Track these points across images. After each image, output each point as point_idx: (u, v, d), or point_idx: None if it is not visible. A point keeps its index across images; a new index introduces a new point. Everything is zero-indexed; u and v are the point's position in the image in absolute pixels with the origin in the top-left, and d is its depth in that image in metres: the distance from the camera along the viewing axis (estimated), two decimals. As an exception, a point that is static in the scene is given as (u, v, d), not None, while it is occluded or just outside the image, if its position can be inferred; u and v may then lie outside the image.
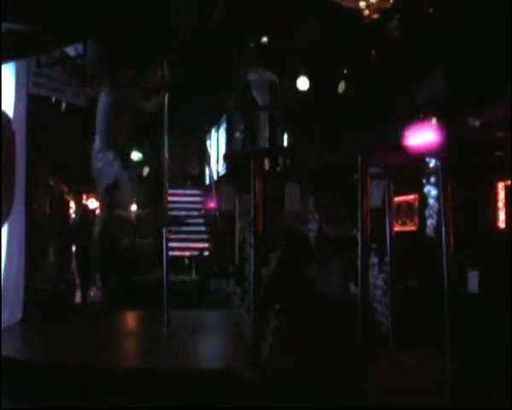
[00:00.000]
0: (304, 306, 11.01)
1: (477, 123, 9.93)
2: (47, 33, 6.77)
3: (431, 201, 10.87)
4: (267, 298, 7.07)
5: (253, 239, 7.27)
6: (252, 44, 15.15)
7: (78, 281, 15.58)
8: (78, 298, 15.16)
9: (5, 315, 9.47)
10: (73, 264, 15.76)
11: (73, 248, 16.05)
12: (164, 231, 10.45)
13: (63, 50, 9.97)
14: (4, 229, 9.62)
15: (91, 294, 15.73)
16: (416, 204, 12.38)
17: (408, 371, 7.78)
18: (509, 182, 10.60)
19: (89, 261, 15.17)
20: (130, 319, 12.69)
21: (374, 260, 9.06)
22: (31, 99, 10.76)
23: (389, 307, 8.87)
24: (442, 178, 8.00)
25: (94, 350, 8.46)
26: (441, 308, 7.53)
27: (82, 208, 18.69)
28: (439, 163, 8.35)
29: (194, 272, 19.79)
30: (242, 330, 7.52)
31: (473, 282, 9.98)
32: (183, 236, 20.77)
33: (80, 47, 9.22)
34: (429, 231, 10.97)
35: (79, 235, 16.39)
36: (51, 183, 15.42)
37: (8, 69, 9.57)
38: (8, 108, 9.76)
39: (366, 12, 12.30)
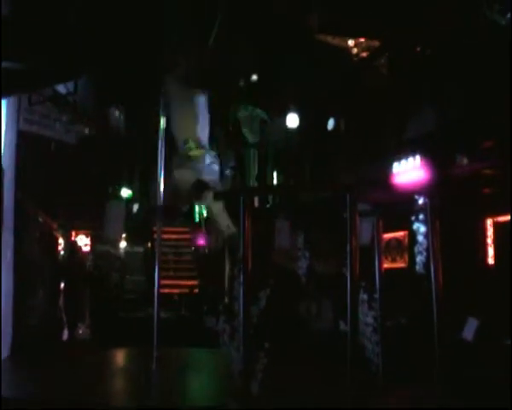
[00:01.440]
0: (294, 343, 10.96)
1: (465, 160, 10.00)
2: (40, 72, 6.82)
3: (420, 237, 10.88)
4: (256, 336, 7.03)
5: (242, 276, 7.24)
6: (242, 82, 15.24)
7: (65, 318, 15.46)
8: (66, 335, 15.02)
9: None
10: (61, 301, 15.63)
11: (62, 285, 15.94)
12: (156, 267, 10.40)
13: (54, 88, 10.01)
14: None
15: (80, 331, 15.60)
16: (406, 241, 12.40)
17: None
18: (498, 218, 10.65)
19: (77, 298, 15.07)
20: (120, 357, 12.58)
21: (363, 297, 9.05)
22: (20, 135, 10.78)
23: (379, 345, 8.84)
24: (431, 215, 8.04)
25: (83, 388, 8.37)
26: (432, 345, 7.52)
27: (71, 245, 18.61)
28: (427, 200, 8.41)
29: (183, 309, 19.66)
30: (232, 368, 7.46)
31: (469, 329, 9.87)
32: (173, 273, 20.69)
33: (71, 85, 9.27)
34: (419, 267, 10.97)
35: (68, 271, 16.31)
36: (40, 219, 15.35)
37: (-1, 106, 9.60)
38: (-2, 145, 9.76)
39: (355, 50, 12.42)
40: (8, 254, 10.28)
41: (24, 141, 10.96)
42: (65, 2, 6.16)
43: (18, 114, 10.65)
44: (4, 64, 6.29)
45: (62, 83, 9.15)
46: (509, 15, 9.37)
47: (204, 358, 11.75)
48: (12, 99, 9.94)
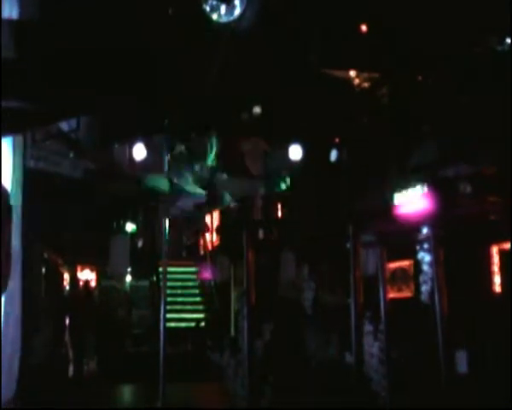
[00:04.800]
0: (299, 376, 10.87)
1: (469, 188, 10.00)
2: (39, 110, 6.88)
3: (425, 267, 10.85)
4: (261, 370, 6.99)
5: (246, 310, 7.24)
6: (245, 115, 15.31)
7: (71, 354, 15.41)
8: (72, 371, 14.97)
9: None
10: (67, 337, 15.60)
11: (67, 321, 15.91)
12: (162, 301, 10.37)
13: (58, 125, 10.07)
14: (1, 304, 9.53)
15: (86, 367, 15.54)
16: (411, 270, 12.35)
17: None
18: (504, 245, 10.62)
19: (82, 334, 15.03)
20: (126, 393, 12.53)
21: (368, 327, 9.01)
22: (27, 171, 10.82)
23: (386, 377, 8.77)
24: (434, 244, 8.05)
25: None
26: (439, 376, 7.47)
27: (76, 280, 18.61)
28: (431, 230, 8.41)
29: (189, 343, 19.59)
30: (236, 404, 7.44)
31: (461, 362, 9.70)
32: (179, 307, 20.66)
33: (73, 121, 9.32)
34: (424, 297, 10.93)
35: (73, 307, 16.29)
36: (45, 255, 15.37)
37: (6, 142, 9.65)
38: (6, 181, 9.80)
39: (356, 81, 12.48)
40: (15, 293, 10.28)
41: (29, 177, 11.01)
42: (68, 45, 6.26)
43: (25, 151, 10.70)
44: (5, 103, 6.37)
45: (63, 121, 9.22)
46: (507, 41, 9.43)
47: (209, 393, 11.68)
48: (19, 136, 10.00)
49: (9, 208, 9.08)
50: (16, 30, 6.41)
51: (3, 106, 6.89)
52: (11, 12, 8.11)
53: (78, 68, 6.56)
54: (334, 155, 13.74)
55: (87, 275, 19.29)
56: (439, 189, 9.70)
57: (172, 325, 18.94)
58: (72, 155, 11.46)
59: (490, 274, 10.78)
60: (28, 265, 11.52)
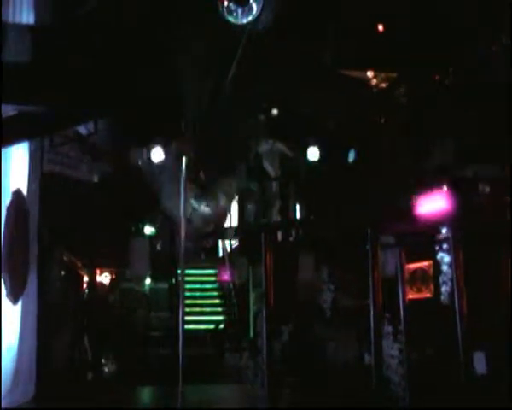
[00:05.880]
0: (318, 378, 10.83)
1: (487, 189, 9.92)
2: (56, 114, 6.92)
3: (444, 267, 10.77)
4: (280, 371, 6.98)
5: (264, 312, 7.23)
6: (262, 116, 15.30)
7: (90, 356, 15.48)
8: (90, 374, 15.03)
9: (18, 393, 9.38)
10: (86, 340, 15.66)
11: (85, 323, 15.99)
12: (180, 303, 10.36)
13: (75, 129, 10.12)
14: (18, 307, 9.61)
15: (105, 369, 15.59)
16: (431, 271, 12.26)
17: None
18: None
19: (102, 336, 15.08)
20: (145, 395, 12.55)
21: (388, 329, 8.96)
22: (44, 175, 10.89)
23: (406, 378, 8.72)
24: (454, 245, 8.00)
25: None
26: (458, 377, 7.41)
27: (95, 283, 18.69)
28: (450, 231, 8.35)
29: (208, 346, 19.58)
30: (257, 405, 7.42)
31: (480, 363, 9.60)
32: (198, 309, 20.66)
33: (91, 125, 9.37)
34: (444, 297, 10.85)
35: (92, 309, 16.37)
36: (65, 258, 15.45)
37: (23, 147, 9.72)
38: (23, 186, 9.87)
39: (374, 81, 12.44)
40: (33, 296, 10.34)
41: (47, 181, 11.08)
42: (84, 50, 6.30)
43: (41, 155, 10.77)
44: (20, 108, 6.41)
45: (81, 124, 9.27)
46: None
47: (228, 395, 11.65)
48: (35, 140, 10.07)
49: (26, 213, 9.16)
50: (32, 35, 6.45)
51: (20, 111, 6.95)
52: (28, 18, 8.18)
53: (93, 72, 6.59)
54: (351, 155, 13.71)
55: (106, 277, 19.37)
56: (458, 189, 9.63)
57: (191, 327, 18.95)
58: (89, 158, 11.51)
59: (509, 274, 10.68)
60: (47, 268, 11.59)
